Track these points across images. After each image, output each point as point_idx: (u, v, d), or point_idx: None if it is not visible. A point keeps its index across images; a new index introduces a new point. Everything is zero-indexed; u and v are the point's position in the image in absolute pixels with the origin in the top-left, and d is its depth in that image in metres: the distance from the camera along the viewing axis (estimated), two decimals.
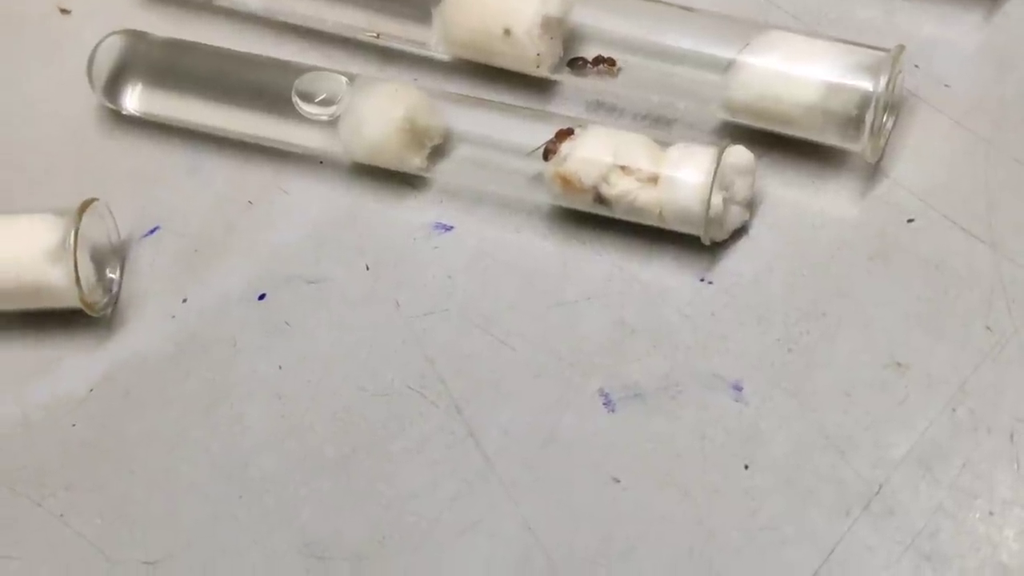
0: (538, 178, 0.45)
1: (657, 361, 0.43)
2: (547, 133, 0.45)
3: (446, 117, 0.47)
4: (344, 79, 0.47)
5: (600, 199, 0.44)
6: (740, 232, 0.45)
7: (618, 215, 0.44)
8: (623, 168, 0.44)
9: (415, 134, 0.46)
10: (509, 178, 0.46)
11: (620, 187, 0.44)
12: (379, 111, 0.46)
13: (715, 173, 0.43)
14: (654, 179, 0.43)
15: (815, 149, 0.45)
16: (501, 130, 0.47)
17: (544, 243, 0.46)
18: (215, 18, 0.53)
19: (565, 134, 0.45)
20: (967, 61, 0.47)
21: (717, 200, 0.43)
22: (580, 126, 0.45)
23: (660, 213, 0.44)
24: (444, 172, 0.47)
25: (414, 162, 0.47)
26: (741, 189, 0.44)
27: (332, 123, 0.47)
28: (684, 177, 0.43)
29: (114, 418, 0.45)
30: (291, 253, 0.47)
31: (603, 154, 0.44)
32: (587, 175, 0.44)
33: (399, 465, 0.43)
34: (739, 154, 0.44)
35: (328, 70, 0.48)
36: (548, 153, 0.45)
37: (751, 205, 0.45)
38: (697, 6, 0.47)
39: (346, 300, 0.46)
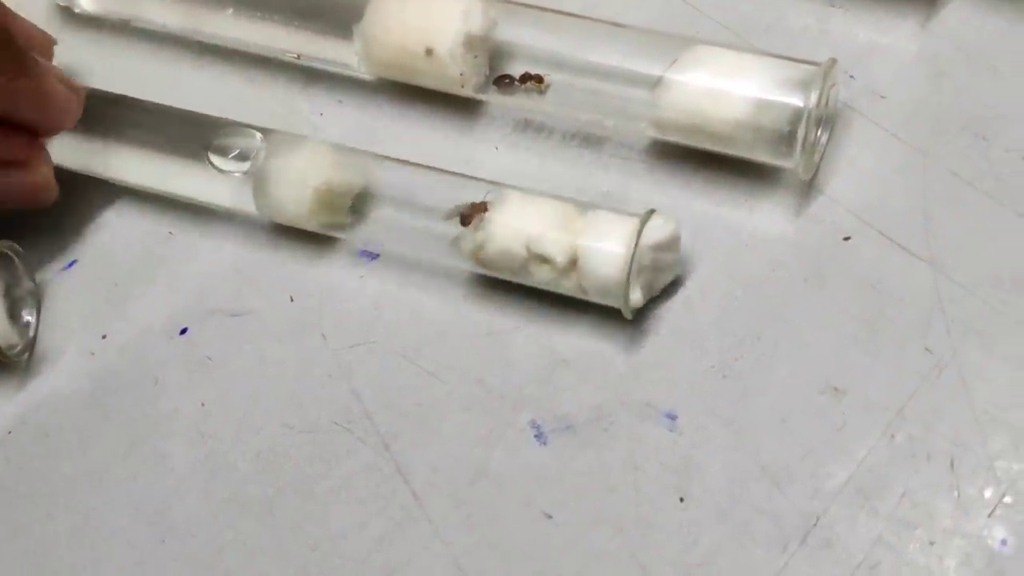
0: (456, 244, 0.43)
1: (588, 391, 0.42)
2: (466, 192, 0.43)
3: (364, 174, 0.45)
4: (259, 135, 0.45)
5: (520, 278, 0.43)
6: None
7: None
8: (539, 258, 0.42)
9: (331, 200, 0.44)
10: (428, 241, 0.44)
11: (539, 276, 0.42)
12: (292, 180, 0.44)
13: (630, 268, 0.40)
14: (573, 264, 0.41)
15: (747, 167, 0.44)
16: (422, 189, 0.44)
17: (472, 269, 0.45)
18: (133, 39, 0.51)
19: (479, 209, 0.42)
20: (903, 70, 0.46)
21: (636, 296, 0.41)
22: (491, 196, 0.43)
23: (585, 292, 0.42)
24: (363, 232, 0.45)
25: (335, 222, 0.45)
26: (667, 257, 0.42)
27: (246, 179, 0.45)
28: (600, 270, 0.41)
29: (33, 461, 0.44)
30: (213, 285, 0.46)
31: (517, 245, 0.42)
32: (506, 264, 0.42)
33: (326, 505, 0.42)
34: (659, 231, 0.41)
35: (243, 125, 0.46)
36: (465, 219, 0.43)
37: (679, 262, 0.43)
38: (625, 20, 0.45)
39: (270, 333, 0.45)
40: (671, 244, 0.42)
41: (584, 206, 0.42)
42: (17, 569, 0.43)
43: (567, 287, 0.42)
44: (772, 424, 0.41)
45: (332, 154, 0.45)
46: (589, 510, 0.40)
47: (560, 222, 0.42)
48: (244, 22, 0.48)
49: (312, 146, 0.45)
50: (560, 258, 0.41)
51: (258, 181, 0.45)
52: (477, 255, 0.42)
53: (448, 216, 0.43)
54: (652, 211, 0.41)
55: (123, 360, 0.45)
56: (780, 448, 0.40)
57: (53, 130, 0.46)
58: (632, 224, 0.41)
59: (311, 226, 0.45)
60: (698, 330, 0.42)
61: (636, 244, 0.40)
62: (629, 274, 0.41)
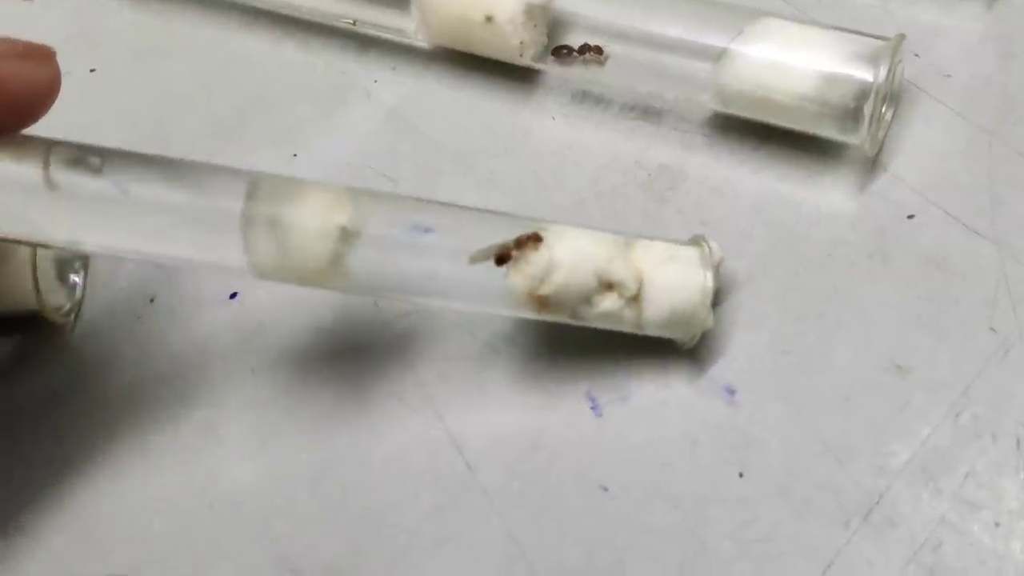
0: (490, 288, 0.38)
1: (646, 363, 0.41)
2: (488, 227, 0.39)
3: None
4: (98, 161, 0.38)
5: (577, 315, 0.39)
6: (732, 228, 0.43)
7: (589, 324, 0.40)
8: (608, 286, 0.39)
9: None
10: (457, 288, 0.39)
11: (603, 307, 0.39)
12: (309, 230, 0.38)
13: (712, 293, 0.39)
14: (637, 296, 0.39)
15: (811, 142, 0.44)
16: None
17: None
18: (185, 5, 0.50)
19: (529, 240, 0.38)
20: (968, 50, 0.45)
21: (710, 320, 0.40)
22: (541, 229, 0.39)
23: (640, 325, 0.40)
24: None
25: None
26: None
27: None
28: (676, 298, 0.39)
29: (78, 424, 0.43)
30: None
31: (585, 275, 0.38)
32: (568, 298, 0.39)
33: (378, 475, 0.41)
34: (716, 254, 0.40)
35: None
36: (502, 259, 0.38)
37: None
38: None
39: (322, 300, 0.44)
40: (719, 267, 0.41)
41: (629, 237, 0.40)
42: (62, 534, 0.42)
43: (627, 319, 0.40)
44: (834, 401, 0.40)
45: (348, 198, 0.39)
46: (645, 484, 0.40)
47: (617, 252, 0.39)
48: None
49: (325, 194, 0.38)
50: (632, 284, 0.39)
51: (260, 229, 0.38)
52: (535, 291, 0.38)
53: (476, 259, 0.38)
54: (699, 236, 0.40)
55: (171, 324, 0.45)
56: (842, 425, 0.40)
57: (22, 122, 0.37)
58: (693, 251, 0.40)
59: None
60: (758, 306, 0.42)
61: (714, 271, 0.39)
62: (711, 300, 0.39)
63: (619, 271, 0.39)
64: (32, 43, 0.37)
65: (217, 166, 0.38)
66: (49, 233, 0.38)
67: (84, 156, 0.37)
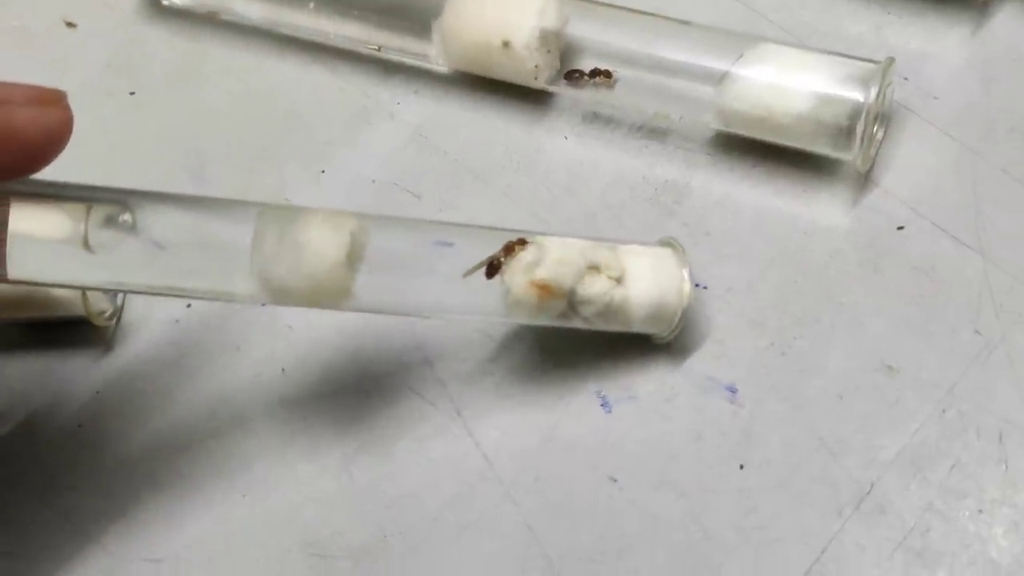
0: (491, 296, 0.42)
1: (653, 363, 0.44)
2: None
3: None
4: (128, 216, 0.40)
5: (572, 305, 0.42)
6: (733, 239, 0.46)
7: (582, 325, 0.43)
8: (596, 268, 0.42)
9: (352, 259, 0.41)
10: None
11: (596, 288, 0.42)
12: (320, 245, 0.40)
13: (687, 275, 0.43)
14: (621, 279, 0.43)
15: (807, 159, 0.47)
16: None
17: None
18: (219, 31, 0.53)
19: (516, 245, 0.42)
20: (955, 74, 0.48)
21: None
22: (528, 237, 0.42)
23: (627, 315, 0.43)
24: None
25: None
26: None
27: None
28: (659, 287, 0.43)
29: (119, 420, 0.46)
30: None
31: (574, 256, 0.42)
32: (564, 278, 0.42)
33: (400, 466, 0.44)
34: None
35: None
36: (493, 269, 0.42)
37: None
38: (691, 19, 0.48)
39: None
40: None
41: (608, 242, 0.43)
42: (102, 520, 0.44)
43: (616, 303, 0.42)
44: (829, 399, 0.43)
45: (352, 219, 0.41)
46: (652, 475, 0.42)
47: (605, 248, 0.43)
48: (325, 16, 0.51)
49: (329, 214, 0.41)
50: (616, 265, 0.42)
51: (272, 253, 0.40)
52: (534, 278, 0.41)
53: (468, 273, 0.41)
54: (668, 237, 0.44)
55: (206, 328, 0.47)
56: (836, 421, 0.42)
57: (35, 167, 0.38)
58: (666, 248, 0.43)
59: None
60: (759, 311, 0.45)
61: (686, 263, 0.43)
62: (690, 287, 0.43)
63: (603, 254, 0.42)
64: (43, 88, 0.38)
65: (232, 200, 0.41)
66: (86, 282, 0.42)
67: (116, 215, 0.40)
